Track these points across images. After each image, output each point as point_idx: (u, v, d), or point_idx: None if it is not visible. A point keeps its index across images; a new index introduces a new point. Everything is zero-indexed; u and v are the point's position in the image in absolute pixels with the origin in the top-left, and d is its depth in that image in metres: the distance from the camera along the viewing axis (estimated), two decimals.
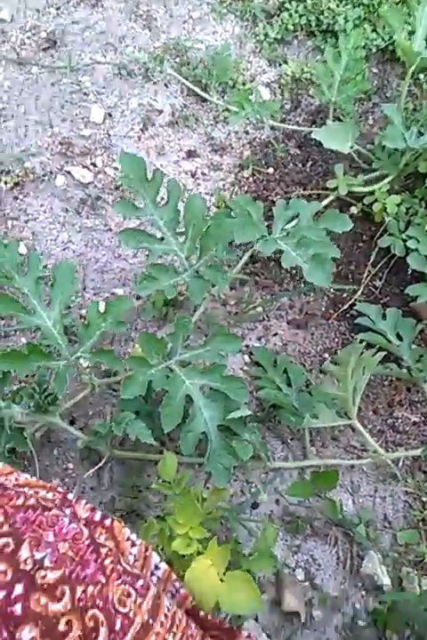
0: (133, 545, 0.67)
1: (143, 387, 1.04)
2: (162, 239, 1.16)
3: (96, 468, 1.06)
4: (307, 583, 1.11)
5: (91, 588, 0.58)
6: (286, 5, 1.61)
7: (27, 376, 1.21)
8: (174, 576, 0.74)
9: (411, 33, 1.46)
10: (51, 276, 1.07)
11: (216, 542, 0.82)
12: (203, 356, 1.12)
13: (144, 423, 1.05)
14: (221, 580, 0.79)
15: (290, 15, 1.59)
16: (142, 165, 1.14)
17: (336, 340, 1.38)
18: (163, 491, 0.96)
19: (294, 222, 1.27)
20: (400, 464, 1.24)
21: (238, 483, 1.18)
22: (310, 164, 1.55)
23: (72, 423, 1.18)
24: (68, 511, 0.64)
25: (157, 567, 0.73)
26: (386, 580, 1.10)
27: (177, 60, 1.59)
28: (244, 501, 1.14)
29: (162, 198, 1.21)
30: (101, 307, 1.09)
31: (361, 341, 1.30)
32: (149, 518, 0.82)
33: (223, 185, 1.50)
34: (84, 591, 0.58)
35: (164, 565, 0.73)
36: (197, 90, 1.54)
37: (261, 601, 0.78)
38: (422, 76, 1.58)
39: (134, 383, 1.04)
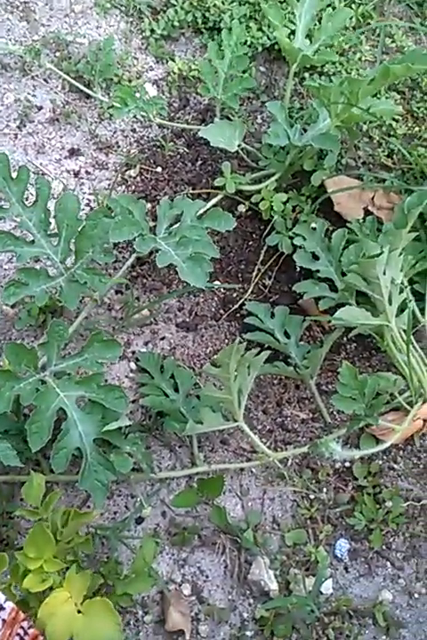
0: None
1: (8, 402, 0.92)
2: (32, 242, 1.04)
3: None
4: (194, 597, 1.04)
5: None
6: (172, 1, 1.52)
7: None
8: (22, 616, 0.63)
9: (293, 32, 1.41)
10: None
11: (76, 570, 0.71)
12: (80, 365, 1.02)
13: (12, 442, 0.93)
14: (79, 612, 0.69)
15: (176, 11, 1.50)
16: (5, 162, 1.01)
17: (226, 340, 1.31)
18: (28, 517, 0.84)
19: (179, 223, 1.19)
20: (289, 463, 1.19)
21: (122, 498, 1.08)
22: (199, 163, 1.47)
23: None
24: None
25: (1, 608, 0.62)
26: (273, 586, 1.04)
27: (57, 54, 1.45)
28: (127, 517, 1.04)
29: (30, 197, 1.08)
30: None
31: (248, 341, 1.25)
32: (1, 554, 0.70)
33: (109, 185, 1.39)
34: None
35: (10, 605, 0.62)
36: (80, 85, 1.42)
37: (120, 630, 0.69)
38: (307, 74, 1.54)
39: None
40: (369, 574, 1.11)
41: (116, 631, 0.69)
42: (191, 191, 1.41)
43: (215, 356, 1.26)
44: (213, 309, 1.33)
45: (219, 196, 1.37)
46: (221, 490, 1.05)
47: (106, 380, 1.13)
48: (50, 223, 1.04)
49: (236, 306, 1.33)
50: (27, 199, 1.05)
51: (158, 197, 1.38)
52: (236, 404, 1.04)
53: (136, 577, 0.87)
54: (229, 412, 1.08)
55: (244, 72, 1.43)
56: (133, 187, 1.40)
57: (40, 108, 1.40)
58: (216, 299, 1.34)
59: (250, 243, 1.41)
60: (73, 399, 0.98)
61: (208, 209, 1.25)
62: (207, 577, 1.07)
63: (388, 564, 1.13)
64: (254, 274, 1.36)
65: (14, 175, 1.02)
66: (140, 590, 0.88)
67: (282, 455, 1.15)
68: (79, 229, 1.03)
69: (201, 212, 1.21)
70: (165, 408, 1.12)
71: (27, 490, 0.86)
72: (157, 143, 1.45)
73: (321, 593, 1.05)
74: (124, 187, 1.40)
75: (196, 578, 1.06)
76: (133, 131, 1.46)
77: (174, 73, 1.48)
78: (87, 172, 1.39)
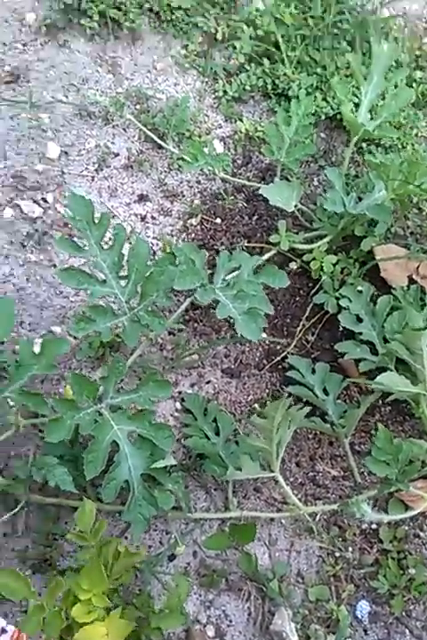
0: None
1: (69, 431, 0.99)
2: (104, 281, 1.12)
3: (11, 513, 0.99)
4: None
5: None
6: (246, 67, 1.61)
7: None
8: (24, 637, 0.67)
9: (357, 105, 1.48)
10: None
11: (119, 614, 0.76)
12: (134, 401, 1.08)
13: (67, 468, 1.00)
14: None
15: (248, 76, 1.59)
16: (90, 207, 1.10)
17: (267, 390, 1.36)
18: (77, 542, 0.90)
19: (235, 273, 1.25)
20: (318, 518, 1.22)
21: (157, 533, 1.13)
22: (255, 217, 1.54)
23: None
24: None
25: (3, 631, 0.66)
26: (294, 639, 1.06)
27: (137, 106, 1.56)
28: (161, 552, 1.09)
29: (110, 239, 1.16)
30: (37, 347, 1.04)
31: (290, 394, 1.30)
32: (57, 578, 0.76)
33: (172, 230, 1.47)
34: None
35: (11, 628, 0.66)
36: (155, 137, 1.51)
37: None
38: (364, 145, 1.60)
39: (60, 427, 0.98)
40: (388, 639, 1.13)
41: None
42: (246, 244, 1.48)
43: (263, 408, 1.32)
44: (257, 359, 1.39)
45: (272, 252, 1.43)
46: (253, 537, 1.09)
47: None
48: (122, 266, 1.12)
49: (278, 358, 1.38)
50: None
51: (216, 247, 1.46)
52: (274, 455, 1.09)
53: (169, 613, 0.91)
54: (266, 461, 1.13)
55: (306, 138, 1.51)
56: (193, 234, 1.48)
57: (116, 155, 1.50)
58: (261, 349, 1.40)
59: (297, 299, 1.46)
60: (125, 433, 1.04)
61: (263, 264, 1.32)
62: (231, 622, 1.10)
63: (407, 631, 1.14)
64: (299, 329, 1.41)
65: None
66: (172, 626, 0.92)
67: (312, 510, 1.19)
68: (147, 275, 1.10)
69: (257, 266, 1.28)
70: (207, 451, 1.17)
71: (80, 515, 0.91)
72: (219, 196, 1.53)
73: None
74: (185, 234, 1.47)
75: (220, 621, 1.10)
76: (198, 182, 1.54)
77: (241, 132, 1.57)
78: (153, 217, 1.47)
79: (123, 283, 1.14)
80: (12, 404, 1.11)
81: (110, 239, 1.14)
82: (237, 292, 1.14)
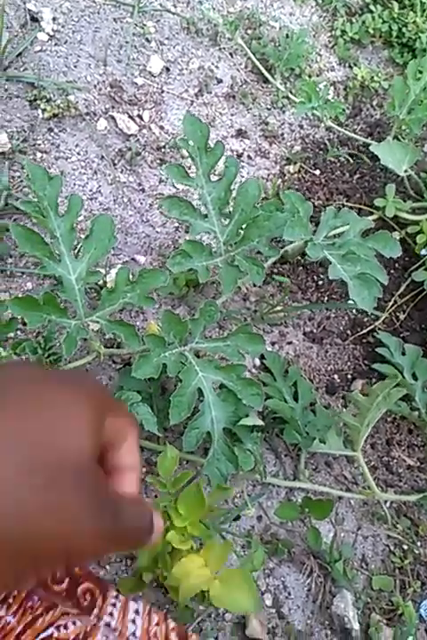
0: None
1: (157, 369, 0.92)
2: (205, 216, 1.03)
3: None
4: (274, 610, 1.02)
5: None
6: (371, 7, 1.46)
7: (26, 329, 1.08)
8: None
9: None
10: (89, 228, 0.93)
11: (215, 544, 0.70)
12: (221, 350, 1.01)
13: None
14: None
15: (373, 18, 1.44)
16: (206, 132, 0.99)
17: (349, 363, 1.27)
18: (157, 487, 0.85)
19: (335, 232, 1.15)
20: (388, 506, 1.15)
21: None
22: (357, 176, 1.42)
23: None
24: None
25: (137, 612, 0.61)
26: (356, 625, 1.01)
27: (248, 31, 1.42)
28: (229, 511, 1.03)
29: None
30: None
31: (375, 371, 1.22)
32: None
33: (267, 174, 1.36)
34: None
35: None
36: (262, 68, 1.38)
37: (258, 602, 0.67)
38: None
39: (148, 363, 0.92)
40: None
41: (254, 603, 0.67)
42: (345, 203, 1.37)
43: (342, 381, 1.24)
44: (342, 328, 1.30)
45: (373, 216, 1.33)
46: (328, 514, 1.03)
47: None
48: (228, 203, 1.02)
49: (364, 331, 1.29)
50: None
51: (312, 200, 1.35)
52: (361, 433, 1.02)
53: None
54: (350, 439, 1.06)
55: None
56: (289, 183, 1.37)
57: (220, 81, 1.38)
58: (347, 318, 1.31)
59: (392, 271, 1.36)
60: (210, 382, 0.97)
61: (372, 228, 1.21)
62: (289, 594, 1.05)
63: None
64: (390, 304, 1.32)
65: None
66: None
67: (387, 497, 1.12)
68: (253, 217, 1.01)
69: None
70: (287, 415, 1.10)
71: (161, 461, 0.85)
72: (322, 145, 1.41)
73: None
74: (280, 180, 1.37)
75: (278, 592, 1.05)
76: (301, 127, 1.42)
77: (355, 79, 1.43)
78: (249, 157, 1.36)
79: (224, 221, 1.05)
80: (94, 329, 1.05)
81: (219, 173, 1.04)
82: (346, 253, 1.04)
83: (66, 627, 0.50)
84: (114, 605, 0.60)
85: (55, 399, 0.38)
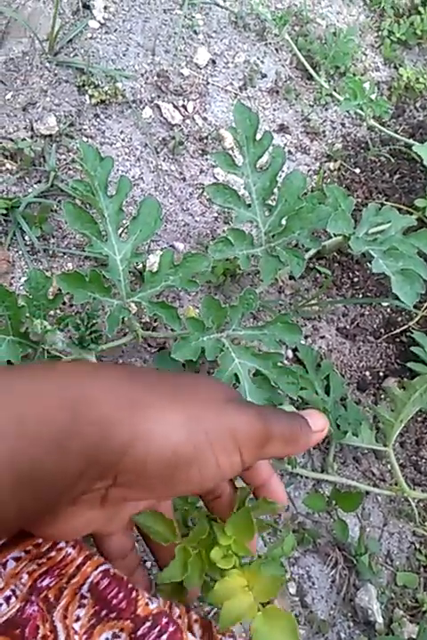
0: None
1: (196, 352, 0.94)
2: (249, 205, 1.04)
3: None
4: (297, 599, 1.04)
5: None
6: (419, 8, 1.46)
7: (68, 305, 1.11)
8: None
9: None
10: (136, 210, 0.96)
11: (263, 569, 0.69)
12: (258, 338, 1.02)
13: None
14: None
15: (422, 20, 1.44)
16: (255, 122, 1.01)
17: (381, 361, 1.27)
18: None
19: (378, 229, 1.16)
20: (415, 503, 1.15)
21: None
22: (397, 176, 1.42)
23: None
24: None
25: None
26: (379, 619, 1.02)
27: (295, 28, 1.44)
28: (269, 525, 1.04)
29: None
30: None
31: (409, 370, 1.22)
32: (203, 522, 0.70)
33: (308, 171, 1.37)
34: None
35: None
36: (307, 65, 1.39)
37: None
38: None
39: (188, 346, 0.94)
40: None
41: None
42: (384, 202, 1.37)
43: (374, 378, 1.25)
44: (376, 326, 1.30)
45: (414, 217, 1.33)
46: (357, 507, 1.04)
47: None
48: (272, 193, 1.04)
49: (398, 330, 1.29)
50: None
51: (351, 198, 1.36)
52: (394, 429, 1.02)
53: (270, 561, 0.87)
54: (382, 434, 1.06)
55: None
56: (329, 180, 1.38)
57: (264, 76, 1.40)
58: (381, 316, 1.31)
59: None
60: (246, 368, 0.99)
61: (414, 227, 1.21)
62: (313, 584, 1.06)
63: None
64: (426, 305, 1.32)
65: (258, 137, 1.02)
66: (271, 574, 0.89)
67: (419, 496, 1.12)
68: (296, 209, 1.02)
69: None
70: (319, 407, 1.11)
71: None
72: (363, 144, 1.41)
73: None
74: (320, 177, 1.37)
75: (302, 581, 1.06)
76: (342, 125, 1.43)
77: (401, 79, 1.43)
78: (290, 152, 1.38)
79: (267, 212, 1.07)
80: (132, 312, 1.08)
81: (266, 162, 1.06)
82: (389, 248, 1.05)
83: None
84: None
85: (200, 383, 0.48)
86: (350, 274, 1.34)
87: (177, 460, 0.42)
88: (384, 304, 1.33)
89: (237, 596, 0.64)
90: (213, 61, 1.38)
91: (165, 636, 0.50)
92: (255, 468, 0.52)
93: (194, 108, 1.34)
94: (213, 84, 1.37)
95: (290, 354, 1.22)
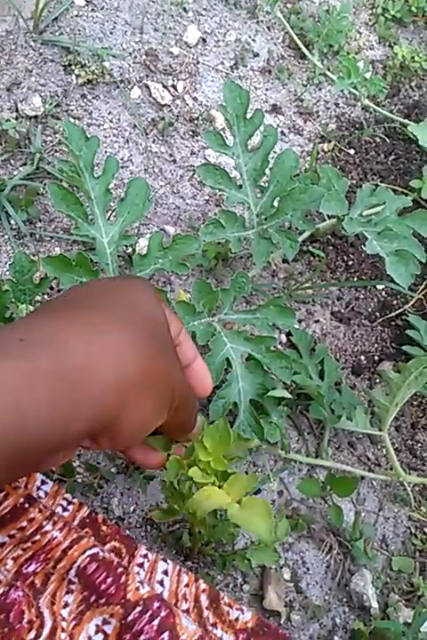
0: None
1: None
2: (240, 186, 1.03)
3: None
4: (292, 584, 1.04)
5: None
6: None
7: (55, 290, 1.10)
8: (63, 491, 0.63)
9: None
10: (124, 191, 0.95)
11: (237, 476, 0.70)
12: (251, 323, 1.02)
13: None
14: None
15: None
16: (245, 100, 1.00)
17: (376, 345, 1.27)
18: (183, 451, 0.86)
19: (372, 211, 1.15)
20: (410, 488, 1.16)
21: (245, 463, 1.09)
22: (392, 157, 1.41)
23: None
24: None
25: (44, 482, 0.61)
26: (374, 603, 1.02)
27: (287, 5, 1.42)
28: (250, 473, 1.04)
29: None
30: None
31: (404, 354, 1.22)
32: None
33: (301, 151, 1.36)
34: None
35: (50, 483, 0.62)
36: (300, 44, 1.38)
37: (273, 535, 0.68)
38: None
39: None
40: None
41: (269, 535, 0.66)
42: (379, 183, 1.37)
43: (369, 362, 1.25)
44: (370, 310, 1.30)
45: (409, 198, 1.32)
46: (351, 492, 1.04)
47: None
48: (263, 174, 1.03)
49: (393, 314, 1.29)
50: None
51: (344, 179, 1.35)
52: (389, 413, 1.02)
53: (264, 548, 0.88)
54: (377, 418, 1.06)
55: None
56: (323, 161, 1.37)
57: (256, 55, 1.38)
58: (376, 300, 1.31)
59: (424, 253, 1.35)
60: (239, 353, 0.99)
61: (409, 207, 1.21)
62: (308, 569, 1.07)
63: None
64: (422, 288, 1.31)
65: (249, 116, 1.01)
66: (264, 561, 0.88)
67: (414, 480, 1.12)
68: (288, 190, 1.01)
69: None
70: (313, 392, 1.11)
71: None
72: (357, 125, 1.40)
73: (419, 631, 1.03)
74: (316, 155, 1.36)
75: (297, 566, 1.06)
76: (336, 105, 1.42)
77: (395, 58, 1.42)
78: (283, 133, 1.37)
79: (259, 193, 1.06)
80: None
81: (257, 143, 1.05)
82: (383, 229, 1.04)
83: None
84: (141, 565, 0.61)
85: (127, 286, 0.53)
86: (345, 257, 1.33)
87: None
88: (379, 287, 1.32)
89: (215, 496, 0.65)
90: (204, 40, 1.36)
91: (156, 621, 0.50)
92: (181, 348, 0.59)
93: (184, 87, 1.33)
94: (203, 63, 1.35)
95: (283, 338, 1.22)
